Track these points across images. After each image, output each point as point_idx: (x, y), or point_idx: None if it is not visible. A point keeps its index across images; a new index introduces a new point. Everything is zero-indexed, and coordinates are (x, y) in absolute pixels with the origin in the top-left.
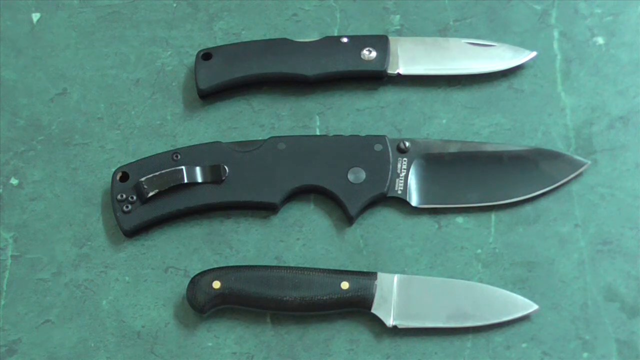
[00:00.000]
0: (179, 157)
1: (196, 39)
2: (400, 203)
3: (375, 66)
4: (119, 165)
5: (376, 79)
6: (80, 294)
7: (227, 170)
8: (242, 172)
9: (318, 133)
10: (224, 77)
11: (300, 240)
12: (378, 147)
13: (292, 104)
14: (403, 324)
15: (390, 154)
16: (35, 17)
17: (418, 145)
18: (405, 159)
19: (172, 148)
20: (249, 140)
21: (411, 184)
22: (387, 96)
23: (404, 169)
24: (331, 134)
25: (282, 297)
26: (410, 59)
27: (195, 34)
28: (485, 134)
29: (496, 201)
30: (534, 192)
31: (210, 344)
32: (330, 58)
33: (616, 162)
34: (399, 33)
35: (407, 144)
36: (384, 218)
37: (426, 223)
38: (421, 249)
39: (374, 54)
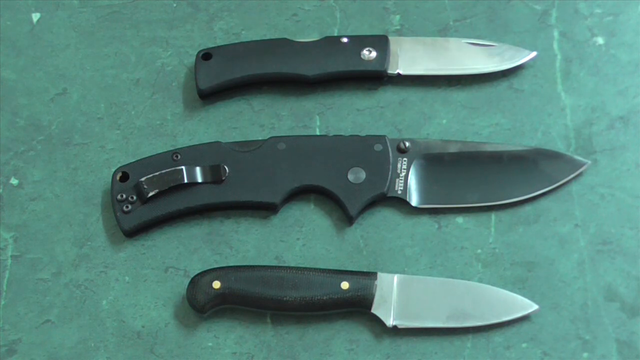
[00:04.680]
0: (179, 157)
1: (196, 39)
2: (400, 203)
3: (375, 66)
4: (119, 165)
5: (376, 79)
6: (80, 294)
7: (227, 170)
8: (242, 172)
9: (318, 133)
10: (224, 77)
11: (300, 240)
12: (378, 147)
13: (292, 104)
14: (403, 324)
15: (390, 154)
16: (35, 17)
17: (418, 145)
18: (405, 159)
19: (172, 148)
20: (249, 140)
21: (411, 184)
22: (387, 96)
23: (404, 169)
24: (331, 134)
25: (282, 297)
26: (410, 59)
27: (195, 34)
28: (485, 134)
29: (496, 201)
30: (534, 192)
31: (210, 344)
32: (330, 58)
33: (616, 162)
34: (399, 33)
35: (407, 144)
36: (384, 218)
37: (426, 223)
38: (421, 249)
39: (374, 54)
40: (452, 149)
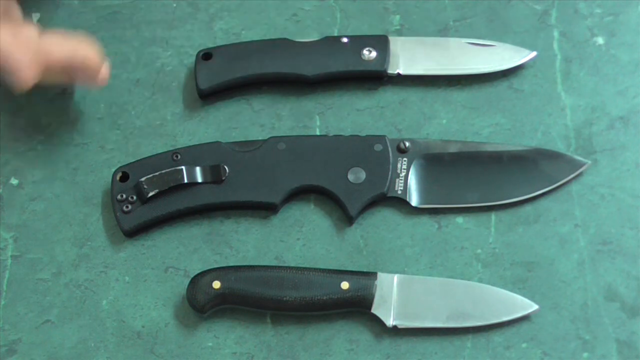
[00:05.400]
0: (179, 157)
1: (196, 39)
2: (400, 203)
3: (375, 66)
4: (119, 165)
5: (376, 79)
6: (80, 294)
7: (227, 170)
8: (242, 172)
9: (318, 133)
10: (224, 77)
11: (300, 240)
12: (378, 147)
13: (292, 104)
14: (403, 324)
15: (390, 154)
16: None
17: (418, 145)
18: (405, 159)
19: (172, 148)
20: (249, 140)
21: (411, 184)
22: (387, 96)
23: (404, 169)
24: (331, 134)
25: (282, 297)
26: (410, 59)
27: (195, 34)
28: (485, 134)
29: (496, 201)
30: (534, 192)
31: (210, 344)
32: (330, 58)
33: (616, 162)
34: (399, 33)
35: (407, 144)
36: (384, 218)
37: (426, 223)
38: (421, 249)
39: (374, 54)
40: (452, 149)
